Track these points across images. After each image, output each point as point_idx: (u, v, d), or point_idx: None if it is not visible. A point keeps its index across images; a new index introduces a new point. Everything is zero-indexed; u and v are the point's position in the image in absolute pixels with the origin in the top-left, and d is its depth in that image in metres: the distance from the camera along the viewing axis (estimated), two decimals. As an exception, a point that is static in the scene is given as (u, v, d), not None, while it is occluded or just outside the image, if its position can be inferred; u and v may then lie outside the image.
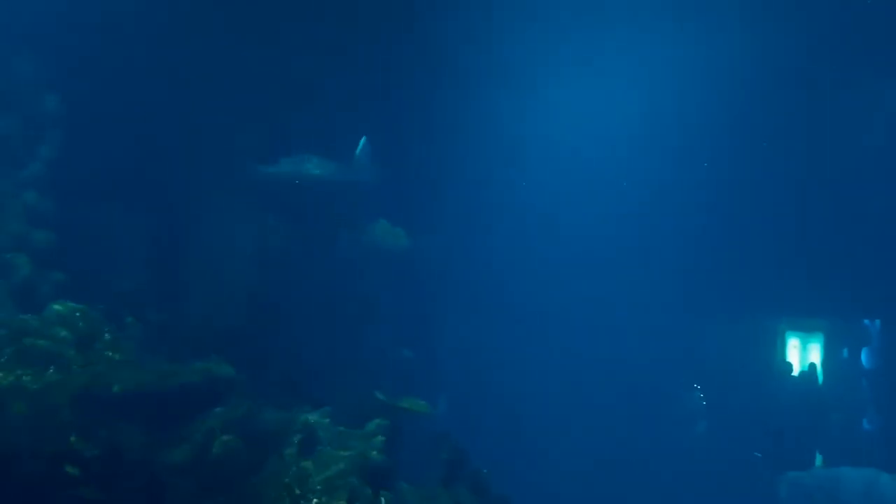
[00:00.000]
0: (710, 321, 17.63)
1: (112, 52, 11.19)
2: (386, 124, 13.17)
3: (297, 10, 12.20)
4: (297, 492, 9.24)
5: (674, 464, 16.69)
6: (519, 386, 15.96)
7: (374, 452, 9.99)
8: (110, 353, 9.49)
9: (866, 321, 18.18)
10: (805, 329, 19.17)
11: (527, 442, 15.48)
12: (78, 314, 9.63)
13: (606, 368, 16.60)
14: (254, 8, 11.90)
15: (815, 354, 18.92)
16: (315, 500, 9.21)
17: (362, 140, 11.06)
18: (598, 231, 16.16)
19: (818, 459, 16.48)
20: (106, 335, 9.69)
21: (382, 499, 9.50)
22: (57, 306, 9.67)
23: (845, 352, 18.38)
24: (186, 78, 11.60)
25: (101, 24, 11.11)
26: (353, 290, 12.93)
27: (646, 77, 14.81)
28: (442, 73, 13.56)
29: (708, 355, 17.82)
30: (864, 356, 18.03)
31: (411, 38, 13.12)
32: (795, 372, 17.94)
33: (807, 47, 14.02)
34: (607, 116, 15.08)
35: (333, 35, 12.58)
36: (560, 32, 13.91)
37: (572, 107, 14.91)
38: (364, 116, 12.87)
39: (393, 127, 13.30)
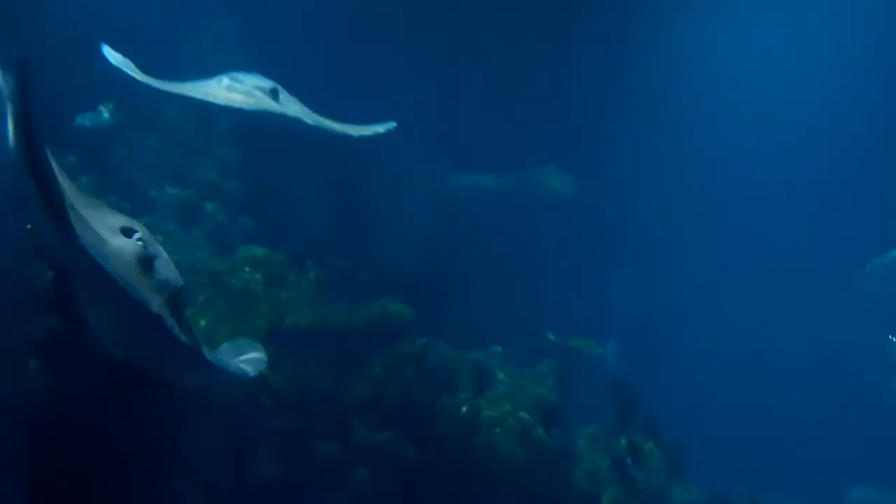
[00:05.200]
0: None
1: (300, 12, 11.70)
2: (555, 62, 12.84)
3: None
4: (471, 426, 9.55)
5: (868, 422, 15.69)
6: (697, 336, 15.42)
7: (546, 391, 10.13)
8: (295, 292, 10.13)
9: None
10: None
11: (703, 392, 14.98)
12: (265, 257, 10.34)
13: (788, 317, 15.71)
14: None
15: None
16: (487, 435, 9.47)
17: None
18: (790, 177, 15.03)
19: None
20: (291, 277, 10.36)
21: (554, 436, 9.62)
22: (246, 250, 10.44)
23: None
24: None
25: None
26: (523, 236, 13.00)
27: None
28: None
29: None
30: None
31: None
32: None
33: None
34: (813, 44, 13.73)
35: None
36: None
37: (770, 32, 13.68)
38: (530, 54, 12.63)
39: (561, 65, 12.93)
